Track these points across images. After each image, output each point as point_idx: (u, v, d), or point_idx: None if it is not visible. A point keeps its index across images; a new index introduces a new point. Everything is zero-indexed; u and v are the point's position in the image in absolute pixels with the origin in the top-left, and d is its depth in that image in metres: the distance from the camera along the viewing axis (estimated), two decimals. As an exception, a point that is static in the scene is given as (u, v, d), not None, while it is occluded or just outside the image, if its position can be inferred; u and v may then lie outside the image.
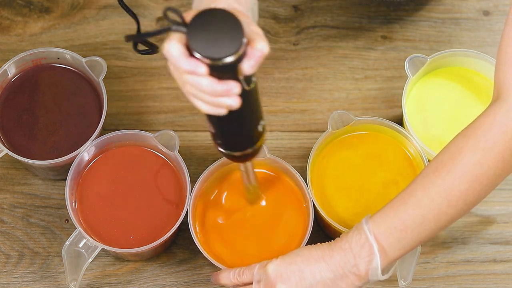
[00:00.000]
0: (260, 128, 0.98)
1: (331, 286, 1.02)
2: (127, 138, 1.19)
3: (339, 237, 1.04)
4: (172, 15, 0.86)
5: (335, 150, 1.20)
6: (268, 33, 1.34)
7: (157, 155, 1.19)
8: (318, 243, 1.05)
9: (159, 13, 1.34)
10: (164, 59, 1.36)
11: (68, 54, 1.21)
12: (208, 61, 0.86)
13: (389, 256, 1.00)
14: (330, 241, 1.04)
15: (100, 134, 1.19)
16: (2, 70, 1.20)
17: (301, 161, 1.25)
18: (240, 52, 0.86)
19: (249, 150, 1.00)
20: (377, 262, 1.00)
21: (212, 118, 0.95)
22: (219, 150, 1.01)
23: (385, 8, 1.36)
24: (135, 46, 0.99)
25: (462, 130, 1.00)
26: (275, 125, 1.29)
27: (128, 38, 0.91)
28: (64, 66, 1.23)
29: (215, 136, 0.99)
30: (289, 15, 1.35)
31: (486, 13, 1.36)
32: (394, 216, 1.00)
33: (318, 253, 1.03)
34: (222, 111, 0.90)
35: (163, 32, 0.87)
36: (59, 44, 1.32)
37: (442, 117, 1.22)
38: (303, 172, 1.17)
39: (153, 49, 1.01)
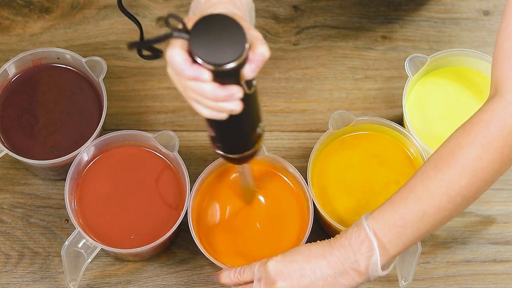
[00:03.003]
0: (259, 130, 0.99)
1: (332, 283, 1.02)
2: (127, 138, 1.19)
3: (338, 234, 1.04)
4: (174, 21, 0.86)
5: (336, 150, 1.20)
6: (268, 33, 1.34)
7: (156, 155, 1.19)
8: (318, 241, 1.05)
9: (159, 13, 1.34)
10: (164, 59, 1.36)
11: (68, 54, 1.21)
12: (211, 67, 0.86)
13: (389, 252, 1.01)
14: (330, 238, 1.05)
15: (100, 134, 1.19)
16: (2, 70, 1.19)
17: (301, 161, 1.25)
18: (243, 57, 0.86)
19: (248, 152, 1.00)
20: (377, 258, 1.00)
21: (212, 122, 0.95)
22: (217, 153, 1.01)
23: (385, 8, 1.36)
24: (139, 52, 0.99)
25: (460, 126, 1.01)
26: (275, 125, 1.29)
27: (131, 45, 0.91)
28: (64, 66, 1.23)
29: (214, 140, 0.99)
30: (289, 15, 1.35)
31: (486, 13, 1.36)
32: (393, 212, 1.00)
33: (318, 250, 1.03)
34: (223, 116, 0.91)
35: (165, 38, 0.87)
36: (59, 44, 1.32)
37: (442, 116, 1.22)
38: (303, 172, 1.17)
39: (157, 54, 1.02)
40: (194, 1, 0.98)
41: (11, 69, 1.21)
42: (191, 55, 0.86)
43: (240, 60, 0.86)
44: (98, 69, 1.20)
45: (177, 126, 1.28)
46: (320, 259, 1.03)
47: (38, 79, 1.23)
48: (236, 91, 0.88)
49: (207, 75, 0.86)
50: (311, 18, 1.35)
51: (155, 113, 1.29)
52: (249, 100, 0.92)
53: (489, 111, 0.98)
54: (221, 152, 1.00)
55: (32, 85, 1.22)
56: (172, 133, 1.17)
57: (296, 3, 1.36)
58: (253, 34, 0.89)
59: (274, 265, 1.04)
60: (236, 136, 0.98)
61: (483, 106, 1.00)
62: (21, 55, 1.21)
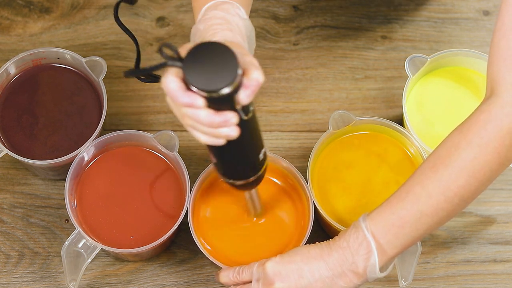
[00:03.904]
0: (261, 156, 1.00)
1: (330, 285, 1.02)
2: (127, 138, 1.19)
3: (337, 235, 1.04)
4: (168, 50, 0.88)
5: (336, 150, 1.20)
6: (268, 33, 1.34)
7: (156, 155, 1.19)
8: (317, 242, 1.05)
9: (159, 13, 1.34)
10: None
11: (68, 54, 1.21)
12: (204, 93, 0.87)
13: (387, 253, 1.01)
14: (329, 239, 1.05)
15: (100, 134, 1.19)
16: (2, 70, 1.19)
17: (301, 161, 1.25)
18: (236, 83, 0.87)
19: (252, 179, 1.01)
20: (375, 260, 1.00)
21: (213, 149, 0.96)
22: (223, 180, 1.02)
23: (385, 8, 1.36)
24: (138, 78, 1.01)
25: (458, 126, 1.01)
26: (275, 125, 1.29)
27: (127, 73, 0.93)
28: (64, 66, 1.23)
29: (217, 166, 1.00)
30: (289, 15, 1.35)
31: (486, 13, 1.36)
32: (391, 213, 1.00)
33: (316, 251, 1.03)
34: (221, 142, 0.91)
35: (159, 67, 0.89)
36: (59, 44, 1.32)
37: (442, 116, 1.22)
38: (303, 172, 1.17)
39: (155, 79, 1.04)
40: (193, 28, 1.00)
41: (11, 69, 1.21)
42: (185, 82, 0.88)
43: (233, 85, 0.87)
44: (98, 69, 1.20)
45: (177, 126, 1.28)
46: (319, 260, 1.03)
47: (38, 79, 1.23)
48: (231, 117, 0.89)
49: (200, 101, 0.88)
50: (311, 18, 1.35)
51: (155, 113, 1.29)
52: (247, 126, 0.93)
53: (486, 112, 0.98)
54: (225, 179, 1.02)
55: (32, 85, 1.22)
56: (172, 133, 1.17)
57: (296, 3, 1.36)
58: (248, 60, 0.90)
59: (272, 265, 1.04)
60: (238, 162, 0.99)
61: (479, 106, 1.00)
62: (21, 55, 1.21)
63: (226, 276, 1.09)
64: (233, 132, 0.90)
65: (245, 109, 0.91)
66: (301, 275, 1.03)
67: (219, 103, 0.88)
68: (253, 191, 1.08)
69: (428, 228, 1.00)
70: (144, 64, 1.30)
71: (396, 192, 1.01)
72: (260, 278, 1.04)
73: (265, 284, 1.04)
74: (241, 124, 0.91)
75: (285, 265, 1.03)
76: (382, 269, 1.02)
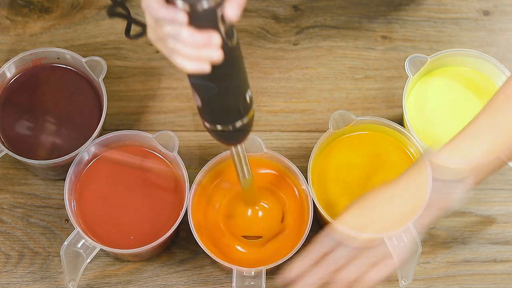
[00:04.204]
0: (247, 98, 0.96)
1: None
2: (127, 138, 1.19)
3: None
4: None
5: (336, 150, 1.20)
6: (268, 33, 1.34)
7: (156, 155, 1.19)
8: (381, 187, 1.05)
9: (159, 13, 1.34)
10: (164, 58, 1.36)
11: (68, 54, 1.21)
12: (187, 7, 0.85)
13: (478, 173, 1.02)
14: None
15: (100, 134, 1.19)
16: (2, 70, 1.20)
17: (301, 161, 1.25)
18: None
19: (238, 124, 0.97)
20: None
21: (196, 86, 0.93)
22: (207, 128, 0.98)
23: (385, 8, 1.36)
24: (127, 32, 0.97)
25: None
26: (275, 125, 1.29)
27: (109, 10, 0.89)
28: (64, 66, 1.23)
29: (201, 109, 0.97)
30: (289, 15, 1.35)
31: (486, 13, 1.36)
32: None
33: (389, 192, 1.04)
34: (205, 67, 0.88)
35: None
36: (59, 44, 1.32)
37: (442, 116, 1.22)
38: (303, 172, 1.17)
39: (143, 28, 1.00)
40: None
41: (11, 69, 1.21)
42: None
43: None
44: (98, 69, 1.20)
45: (177, 126, 1.28)
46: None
47: (38, 79, 1.23)
48: (214, 35, 0.86)
49: (182, 15, 0.85)
50: (311, 18, 1.35)
51: (155, 113, 1.29)
52: (232, 55, 0.90)
53: None
54: (210, 126, 0.98)
55: (32, 85, 1.22)
56: (172, 133, 1.17)
57: (296, 3, 1.36)
58: None
59: (347, 219, 1.03)
60: (222, 99, 0.95)
61: None
62: (21, 55, 1.21)
63: (298, 267, 1.04)
64: (217, 54, 0.87)
65: (229, 33, 0.88)
66: (382, 212, 1.04)
67: (202, 19, 0.85)
68: (241, 150, 1.04)
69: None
70: (139, 63, 1.30)
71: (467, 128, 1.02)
72: (343, 240, 1.02)
73: (353, 241, 1.02)
74: (226, 51, 0.88)
75: (360, 214, 1.03)
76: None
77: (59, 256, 1.19)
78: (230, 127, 0.98)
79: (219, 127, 0.98)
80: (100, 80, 1.20)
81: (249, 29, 1.34)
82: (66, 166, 1.17)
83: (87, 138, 1.17)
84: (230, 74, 0.92)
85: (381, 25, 1.35)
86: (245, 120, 0.98)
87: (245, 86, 0.96)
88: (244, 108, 0.97)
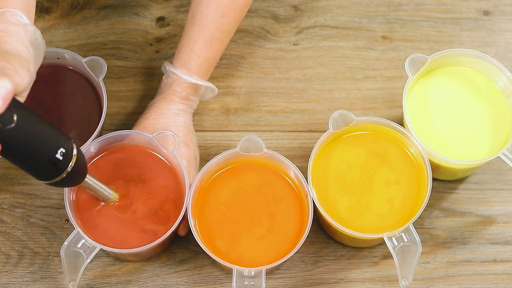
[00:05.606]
0: (59, 156, 0.99)
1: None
2: (127, 138, 1.19)
3: None
4: None
5: (336, 150, 1.20)
6: (268, 33, 1.34)
7: (156, 155, 1.19)
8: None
9: (159, 13, 1.34)
10: (164, 58, 1.36)
11: (68, 54, 1.21)
12: None
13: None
14: None
15: (100, 134, 1.19)
16: (2, 70, 1.19)
17: (301, 161, 1.25)
18: None
19: (64, 175, 1.01)
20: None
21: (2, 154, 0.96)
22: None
23: (385, 8, 1.36)
24: None
25: None
26: (275, 125, 1.29)
27: None
28: (64, 66, 1.23)
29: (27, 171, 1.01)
30: (289, 15, 1.35)
31: (486, 13, 1.36)
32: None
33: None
34: None
35: None
36: (59, 44, 1.32)
37: (442, 116, 1.22)
38: (303, 172, 1.17)
39: None
40: None
41: (11, 69, 1.21)
42: None
43: None
44: (98, 69, 1.20)
45: (177, 126, 1.28)
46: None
47: (38, 79, 1.22)
48: None
49: None
50: (311, 18, 1.35)
51: (155, 113, 1.29)
52: (17, 134, 0.93)
53: None
54: (44, 182, 1.02)
55: (32, 85, 1.22)
56: (172, 133, 1.16)
57: (296, 3, 1.36)
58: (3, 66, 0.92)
59: None
60: (31, 166, 0.99)
61: None
62: (21, 55, 1.20)
63: None
64: None
65: (4, 119, 0.91)
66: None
67: None
68: (91, 182, 1.09)
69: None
70: (139, 63, 1.30)
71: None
72: None
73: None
74: (8, 133, 0.91)
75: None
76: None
77: (59, 256, 1.19)
78: (58, 179, 1.01)
79: (44, 182, 1.02)
80: (100, 80, 1.19)
81: (249, 29, 1.34)
82: (66, 166, 1.17)
83: (87, 138, 1.17)
84: (22, 149, 0.95)
85: (381, 25, 1.35)
86: (69, 168, 1.01)
87: (51, 150, 0.99)
88: (59, 166, 1.00)
